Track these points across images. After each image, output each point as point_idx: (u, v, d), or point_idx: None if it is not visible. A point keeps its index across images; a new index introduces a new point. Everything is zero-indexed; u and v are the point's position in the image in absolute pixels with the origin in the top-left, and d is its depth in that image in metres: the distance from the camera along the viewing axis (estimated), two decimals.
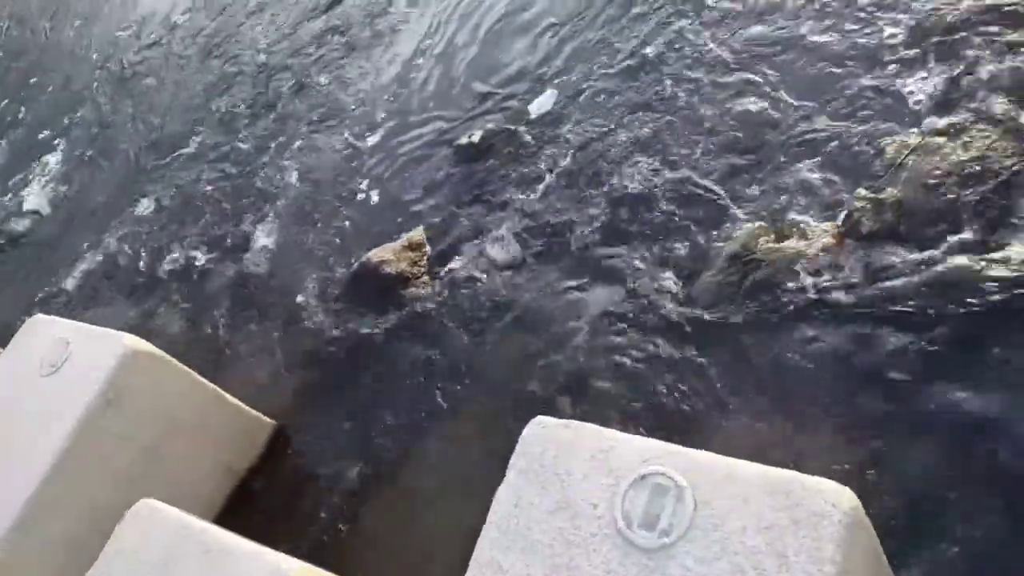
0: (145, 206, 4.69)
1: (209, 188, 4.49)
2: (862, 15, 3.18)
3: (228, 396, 3.10)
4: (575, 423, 1.89)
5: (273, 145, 4.48)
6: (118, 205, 4.82)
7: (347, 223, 3.82)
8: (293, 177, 4.21)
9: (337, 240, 3.77)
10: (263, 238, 4.02)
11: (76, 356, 2.81)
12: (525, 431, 1.92)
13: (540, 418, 1.93)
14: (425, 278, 3.39)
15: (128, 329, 3.17)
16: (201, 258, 4.15)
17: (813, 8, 3.30)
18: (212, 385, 3.05)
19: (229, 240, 4.14)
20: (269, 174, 4.32)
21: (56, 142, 5.76)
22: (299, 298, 3.61)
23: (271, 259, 3.90)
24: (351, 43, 4.81)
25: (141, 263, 4.37)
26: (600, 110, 3.51)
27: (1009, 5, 2.90)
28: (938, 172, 2.64)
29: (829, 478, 1.64)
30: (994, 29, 2.89)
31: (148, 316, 4.03)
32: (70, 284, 4.55)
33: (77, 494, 2.65)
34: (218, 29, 5.70)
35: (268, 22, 5.42)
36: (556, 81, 3.77)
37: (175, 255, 4.25)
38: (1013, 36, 2.84)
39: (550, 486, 1.79)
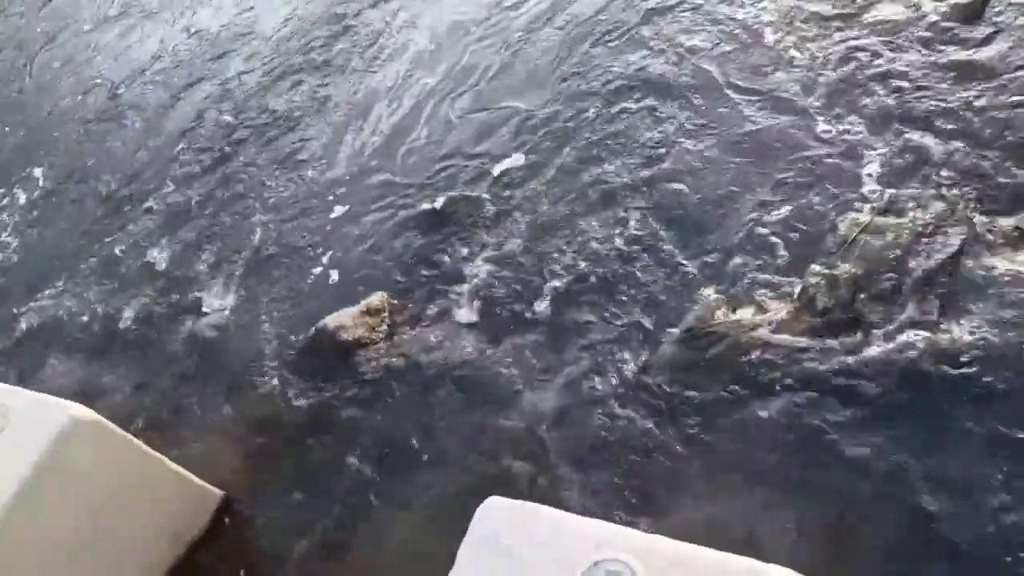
0: (98, 263, 4.59)
1: (167, 246, 4.42)
2: (814, 93, 3.29)
3: (174, 466, 3.00)
4: (529, 505, 1.85)
5: (235, 204, 4.44)
6: (69, 261, 4.72)
7: (306, 287, 3.78)
8: (254, 238, 4.17)
9: (295, 304, 3.72)
10: (219, 300, 3.95)
11: (16, 424, 2.70)
12: (478, 512, 1.87)
13: (493, 499, 1.89)
14: (383, 345, 3.34)
15: (73, 392, 3.08)
16: (154, 319, 4.06)
17: (767, 88, 3.41)
18: (158, 455, 2.95)
19: (185, 301, 4.07)
20: (230, 234, 4.27)
21: (7, 194, 5.66)
22: (253, 364, 3.54)
23: (226, 322, 3.83)
24: (319, 106, 4.83)
25: (91, 322, 4.25)
26: (563, 182, 3.55)
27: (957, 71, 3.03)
28: (889, 250, 2.70)
29: (785, 561, 1.62)
30: (943, 104, 3.01)
31: (95, 378, 3.91)
32: (10, 343, 4.42)
33: (15, 568, 2.53)
34: (186, 83, 5.71)
35: (237, 78, 5.45)
36: (520, 151, 3.81)
37: (127, 315, 4.15)
38: (961, 109, 2.95)
39: (502, 571, 1.74)
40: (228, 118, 5.15)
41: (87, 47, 6.97)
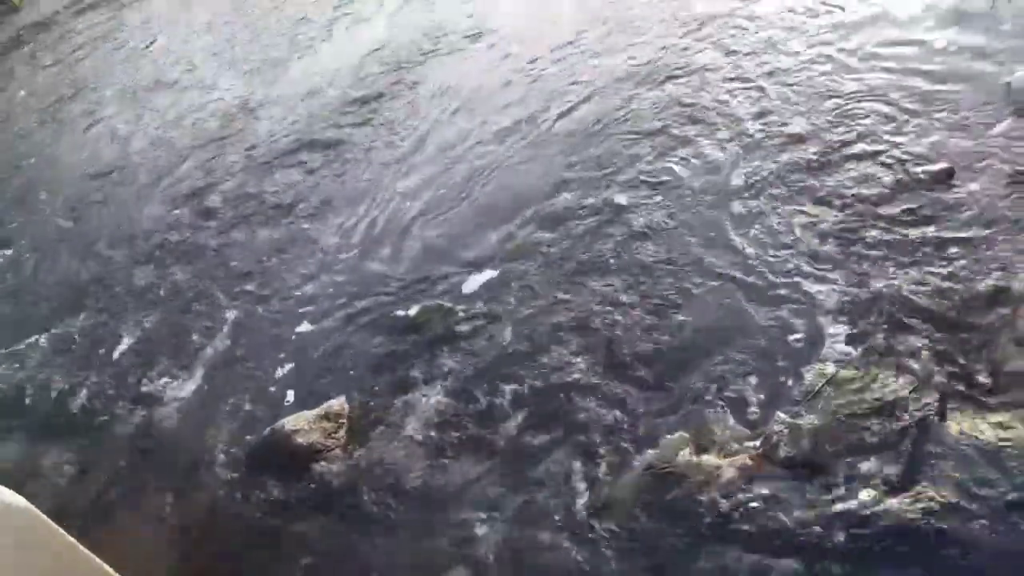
0: (57, 340, 4.50)
1: (131, 330, 4.34)
2: (785, 237, 3.36)
3: (105, 566, 2.83)
4: None
5: (205, 294, 4.41)
6: (22, 333, 4.62)
7: (268, 385, 3.70)
8: (221, 330, 4.12)
9: (254, 402, 3.63)
10: (177, 391, 3.86)
11: None
12: None
13: None
14: (339, 452, 3.25)
15: (8, 474, 2.93)
16: (108, 403, 3.94)
17: (737, 231, 3.49)
18: (87, 551, 2.79)
19: (143, 388, 3.97)
20: (196, 324, 4.22)
21: None
22: (203, 461, 3.42)
23: (181, 415, 3.72)
24: (311, 196, 4.89)
25: (41, 401, 4.12)
26: (539, 303, 3.56)
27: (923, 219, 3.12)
28: (853, 404, 2.70)
29: None
30: (910, 263, 3.08)
31: (36, 460, 3.75)
32: None
33: None
34: (175, 164, 5.77)
35: (223, 166, 5.52)
36: (496, 267, 3.84)
37: (79, 398, 4.04)
38: (927, 269, 3.02)
39: None
40: (216, 202, 5.19)
41: (95, 113, 7.09)
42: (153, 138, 6.35)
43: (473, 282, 3.83)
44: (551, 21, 5.79)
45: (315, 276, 4.26)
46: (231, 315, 4.20)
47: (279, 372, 3.76)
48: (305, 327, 3.95)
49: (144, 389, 3.93)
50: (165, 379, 3.94)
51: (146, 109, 6.89)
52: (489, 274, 3.82)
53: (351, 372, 3.60)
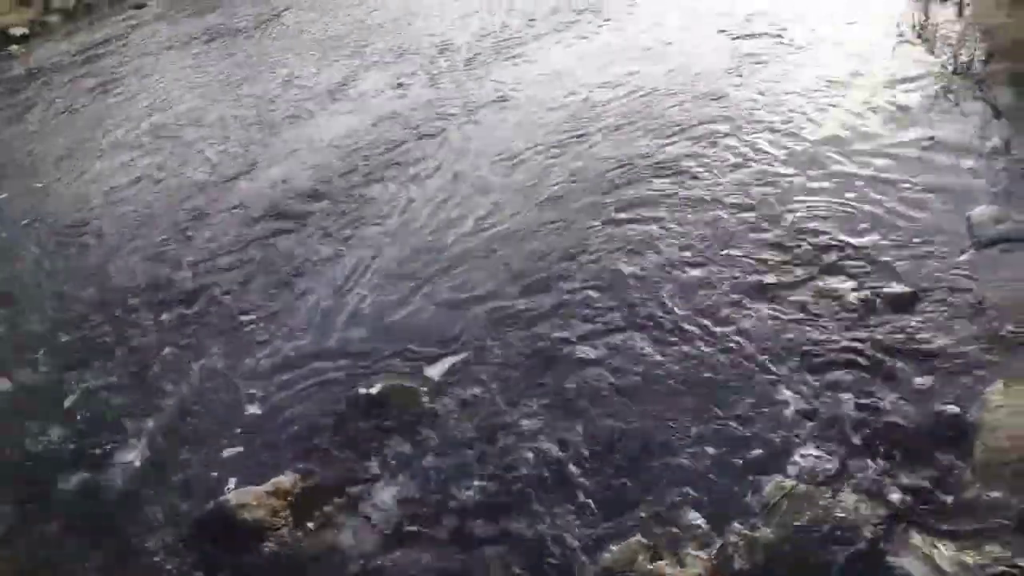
0: (5, 395, 4.35)
1: (81, 391, 4.22)
2: (748, 349, 3.40)
3: None
4: None
5: (162, 357, 4.32)
6: None
7: (218, 456, 3.59)
8: (175, 396, 4.02)
9: (202, 473, 3.51)
10: (123, 455, 3.72)
11: None
12: None
13: None
14: (285, 532, 3.13)
15: None
16: (51, 462, 3.78)
17: (700, 340, 3.53)
18: None
19: (89, 448, 3.82)
20: (150, 389, 4.12)
21: None
22: (143, 530, 3.27)
23: (125, 481, 3.58)
24: (285, 266, 4.88)
25: None
26: (503, 390, 3.54)
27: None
28: (811, 520, 2.68)
29: None
30: (873, 379, 3.12)
31: None
32: None
33: None
34: (140, 233, 5.75)
35: (195, 229, 5.52)
36: (464, 351, 3.82)
37: (21, 452, 3.87)
38: (892, 387, 3.06)
39: None
40: (181, 266, 5.15)
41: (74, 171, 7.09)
42: (135, 195, 6.35)
43: (439, 364, 3.80)
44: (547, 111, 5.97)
45: (276, 347, 4.20)
46: (186, 381, 4.10)
47: (230, 443, 3.65)
48: (262, 398, 3.87)
49: (89, 451, 3.78)
50: (112, 442, 3.80)
51: (129, 164, 6.91)
52: (456, 358, 3.80)
53: (305, 448, 3.50)
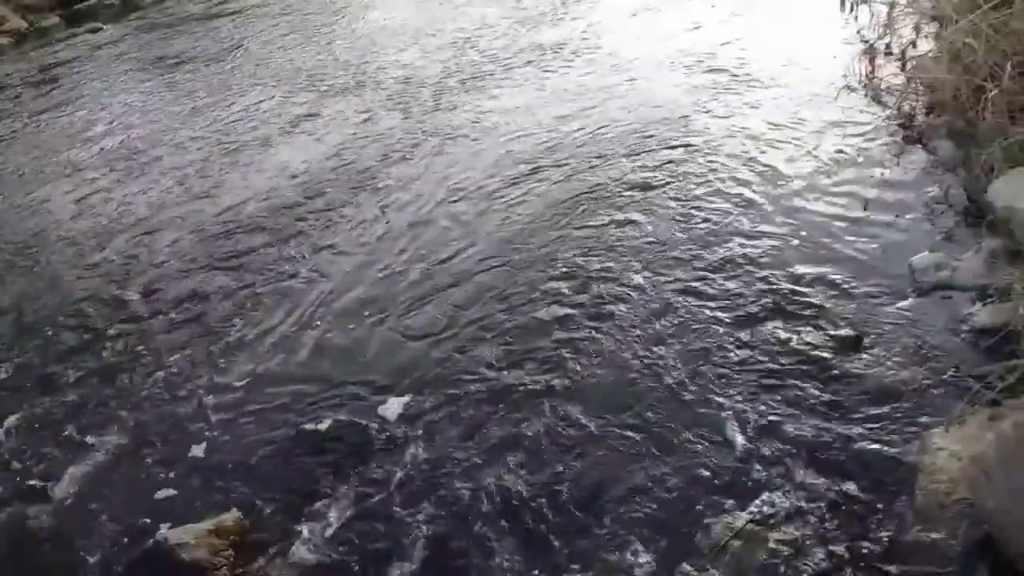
0: None
1: (16, 418, 4.06)
2: (692, 386, 3.44)
3: None
4: None
5: (105, 386, 4.19)
6: None
7: (157, 492, 3.47)
8: (116, 426, 3.89)
9: (140, 509, 3.38)
10: (57, 488, 3.58)
11: None
12: None
13: None
14: (226, 572, 3.03)
15: None
16: None
17: (647, 378, 3.56)
18: None
19: (23, 480, 3.67)
20: (90, 418, 3.98)
21: None
22: (72, 573, 3.13)
23: (58, 514, 3.44)
24: (237, 293, 4.80)
25: None
26: (456, 429, 3.51)
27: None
28: (757, 561, 2.69)
29: None
30: (820, 420, 3.16)
31: None
32: None
33: None
34: (84, 259, 5.62)
35: (142, 262, 5.41)
36: (419, 388, 3.79)
37: None
38: (838, 429, 3.10)
39: None
40: (129, 293, 5.03)
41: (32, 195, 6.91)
42: (81, 219, 6.21)
43: (392, 401, 3.75)
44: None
45: (223, 379, 4.11)
46: (126, 412, 3.98)
47: (171, 479, 3.54)
48: (206, 432, 3.77)
49: (17, 485, 3.63)
50: (44, 476, 3.66)
51: (77, 188, 6.77)
52: (409, 395, 3.76)
53: (249, 485, 3.42)
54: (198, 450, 3.67)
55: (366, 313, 4.43)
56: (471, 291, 4.43)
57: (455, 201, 5.44)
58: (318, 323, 4.43)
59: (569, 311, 4.09)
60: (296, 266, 5.03)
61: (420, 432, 3.53)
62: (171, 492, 3.48)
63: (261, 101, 8.12)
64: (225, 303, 4.77)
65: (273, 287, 4.84)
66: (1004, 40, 4.42)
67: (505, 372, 3.78)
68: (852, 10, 6.76)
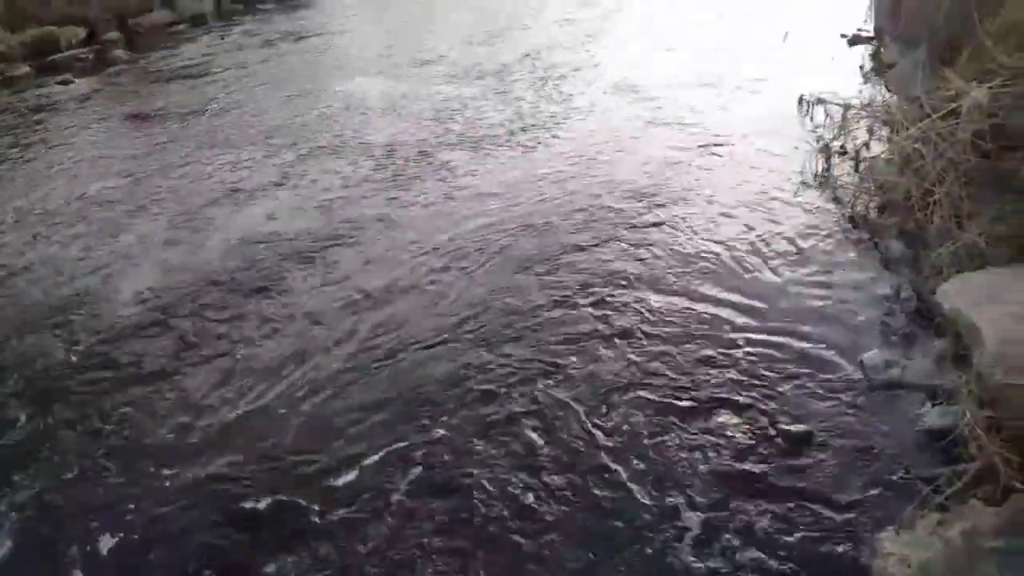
0: None
1: None
2: (649, 480, 3.39)
3: None
4: None
5: (26, 463, 3.95)
6: None
7: (81, 570, 3.27)
8: (35, 509, 3.66)
9: None
10: None
11: None
12: None
13: None
14: None
15: None
16: None
17: (599, 467, 3.51)
18: None
19: None
20: (18, 478, 3.78)
21: None
22: None
23: None
24: (150, 369, 4.64)
25: None
26: (395, 512, 3.39)
27: None
28: None
29: None
30: (769, 517, 3.11)
31: None
32: None
33: None
34: (18, 320, 5.43)
35: (81, 326, 5.24)
36: (359, 469, 3.66)
37: None
38: (789, 525, 3.06)
39: None
40: (62, 359, 4.83)
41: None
42: (26, 274, 6.03)
43: (331, 480, 3.62)
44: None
45: (155, 454, 3.92)
46: (48, 493, 3.76)
47: (99, 556, 3.34)
48: (138, 505, 3.58)
49: None
50: None
51: (27, 242, 6.60)
52: (349, 475, 3.63)
53: (178, 567, 3.23)
54: (124, 533, 3.46)
55: (305, 387, 4.30)
56: (416, 368, 4.36)
57: (414, 271, 5.40)
58: (256, 395, 4.28)
59: (514, 407, 4.01)
60: (240, 331, 4.89)
61: (358, 511, 3.41)
62: (96, 572, 3.28)
63: (220, 163, 8.05)
64: (159, 370, 4.59)
65: (212, 353, 4.69)
66: (951, 148, 4.60)
67: (445, 454, 3.69)
68: (808, 110, 7.04)
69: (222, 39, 14.83)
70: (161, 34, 15.75)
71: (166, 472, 3.79)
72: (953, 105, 4.77)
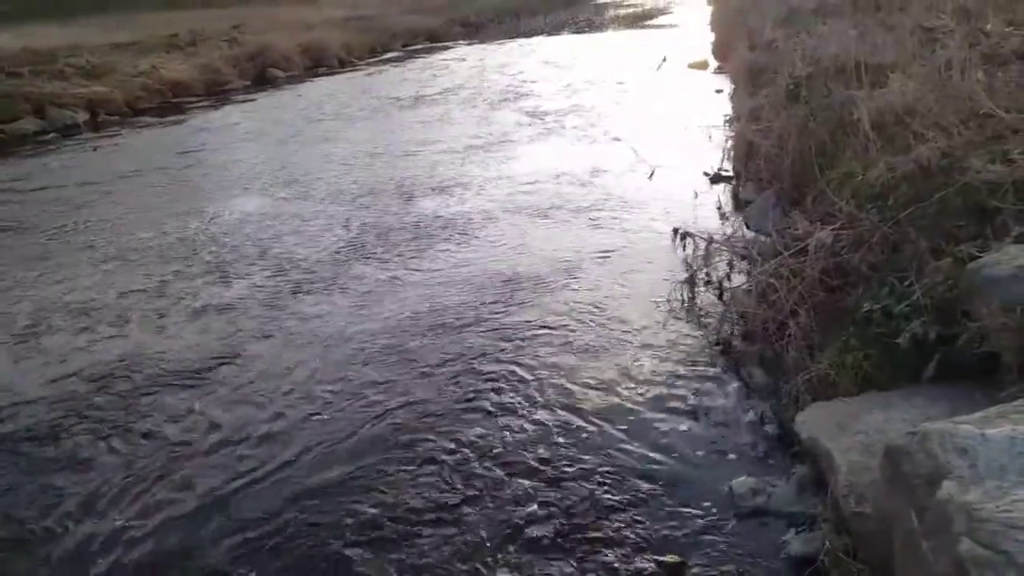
0: None
1: None
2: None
3: None
4: None
5: None
6: None
7: None
8: None
9: None
10: None
11: None
12: None
13: None
14: None
15: None
16: None
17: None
18: None
19: None
20: None
21: None
22: None
23: None
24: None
25: None
26: None
27: None
28: None
29: None
30: None
31: None
32: None
33: None
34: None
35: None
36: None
37: None
38: None
39: None
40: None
41: None
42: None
43: None
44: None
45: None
46: None
47: None
48: None
49: None
50: None
51: None
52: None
53: None
54: None
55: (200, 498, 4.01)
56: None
57: (335, 385, 5.21)
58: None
59: (400, 508, 3.87)
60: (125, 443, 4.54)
61: None
62: None
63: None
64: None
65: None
66: (801, 284, 4.97)
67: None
68: (681, 240, 7.45)
69: (94, 150, 14.41)
70: (28, 143, 15.18)
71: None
72: (802, 244, 5.19)
